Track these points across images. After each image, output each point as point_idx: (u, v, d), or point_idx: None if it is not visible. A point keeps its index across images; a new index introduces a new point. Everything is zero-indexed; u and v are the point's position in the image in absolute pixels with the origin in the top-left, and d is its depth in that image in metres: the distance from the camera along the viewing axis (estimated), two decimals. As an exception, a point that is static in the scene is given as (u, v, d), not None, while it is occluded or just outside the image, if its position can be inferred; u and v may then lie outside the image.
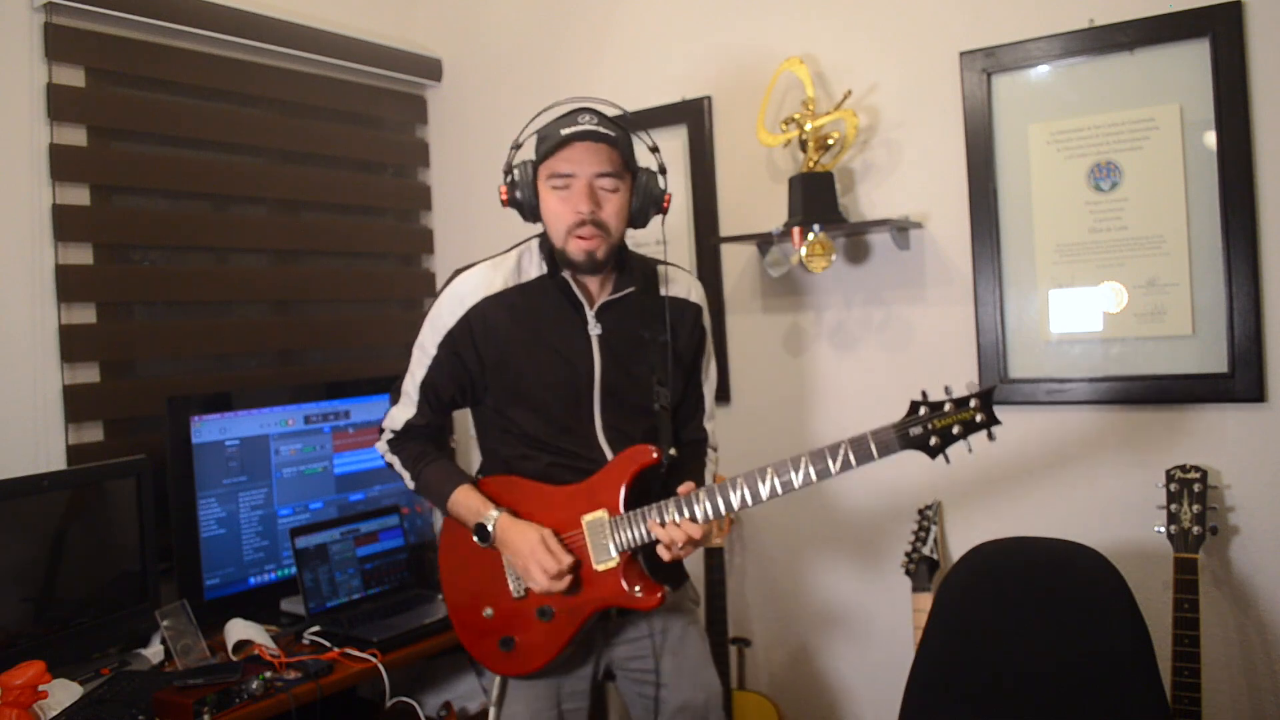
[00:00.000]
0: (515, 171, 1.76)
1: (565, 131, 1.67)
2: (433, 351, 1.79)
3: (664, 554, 1.70)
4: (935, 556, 2.32)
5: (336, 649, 2.16)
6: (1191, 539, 1.96)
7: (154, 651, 2.17)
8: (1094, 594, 1.74)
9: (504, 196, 1.77)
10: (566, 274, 1.78)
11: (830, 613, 2.62)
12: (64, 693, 1.88)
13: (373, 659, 2.12)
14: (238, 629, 2.21)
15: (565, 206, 1.70)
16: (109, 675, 2.02)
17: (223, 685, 1.89)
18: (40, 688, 1.75)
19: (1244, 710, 2.07)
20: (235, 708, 1.89)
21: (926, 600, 2.16)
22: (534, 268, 1.80)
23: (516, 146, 1.78)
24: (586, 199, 1.69)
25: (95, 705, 1.85)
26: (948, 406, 1.61)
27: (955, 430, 1.60)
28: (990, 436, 1.61)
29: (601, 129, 1.68)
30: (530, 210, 1.76)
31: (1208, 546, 2.01)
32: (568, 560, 1.71)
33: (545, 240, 1.80)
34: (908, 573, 2.32)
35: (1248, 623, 2.06)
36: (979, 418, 1.60)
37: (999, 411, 1.60)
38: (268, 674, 1.97)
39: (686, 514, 1.69)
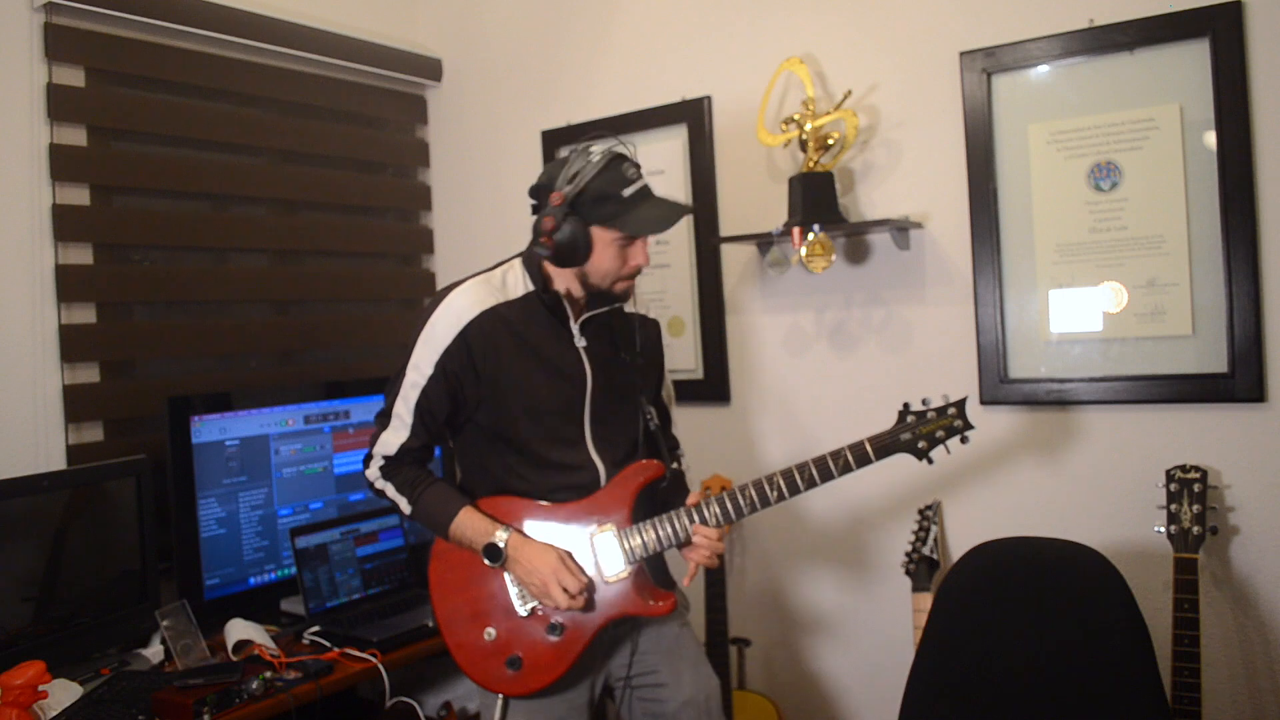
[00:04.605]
0: (566, 226, 1.71)
1: (627, 193, 1.70)
2: (428, 370, 1.75)
3: (708, 563, 1.80)
4: (935, 556, 2.32)
5: (336, 649, 2.17)
6: (1191, 539, 1.96)
7: (154, 651, 2.17)
8: (1094, 594, 1.74)
9: (548, 245, 1.72)
10: (559, 289, 1.80)
11: (830, 613, 2.62)
12: (64, 693, 1.88)
13: (373, 659, 2.12)
14: (238, 629, 2.21)
15: (621, 262, 1.76)
16: (109, 675, 2.02)
17: (223, 685, 1.89)
18: (40, 688, 1.75)
19: (1244, 710, 2.07)
20: (235, 708, 1.89)
21: (926, 600, 2.16)
22: (519, 286, 1.81)
23: (567, 196, 1.70)
24: (645, 254, 1.78)
25: (95, 705, 1.86)
26: (930, 415, 1.79)
27: (938, 434, 1.79)
28: (964, 440, 1.80)
29: (669, 208, 1.75)
30: (577, 259, 1.74)
31: (1208, 546, 2.01)
32: (585, 579, 1.74)
33: (530, 258, 1.82)
34: (908, 573, 2.32)
35: (1248, 623, 2.06)
36: (957, 423, 1.79)
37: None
38: (268, 674, 1.97)
39: (698, 520, 1.78)
